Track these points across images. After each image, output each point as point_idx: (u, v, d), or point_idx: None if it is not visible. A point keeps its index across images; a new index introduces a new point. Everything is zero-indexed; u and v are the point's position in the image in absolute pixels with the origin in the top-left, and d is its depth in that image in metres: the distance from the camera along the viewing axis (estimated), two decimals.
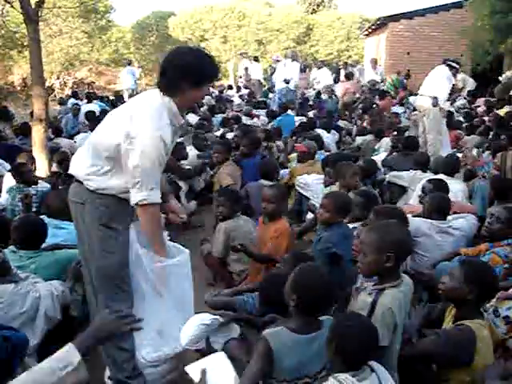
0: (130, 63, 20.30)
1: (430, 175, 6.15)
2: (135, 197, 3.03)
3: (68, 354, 2.32)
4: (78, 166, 3.24)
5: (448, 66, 8.98)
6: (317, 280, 2.70)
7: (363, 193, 4.83)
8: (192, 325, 3.13)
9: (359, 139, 10.64)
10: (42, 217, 4.56)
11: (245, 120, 12.04)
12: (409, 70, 19.96)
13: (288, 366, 2.61)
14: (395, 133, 9.95)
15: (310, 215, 6.18)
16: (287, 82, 15.63)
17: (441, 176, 5.83)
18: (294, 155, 8.57)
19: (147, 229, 3.19)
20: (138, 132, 2.96)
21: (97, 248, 3.19)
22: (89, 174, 3.14)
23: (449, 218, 4.65)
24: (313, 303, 2.67)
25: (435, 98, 8.80)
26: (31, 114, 11.50)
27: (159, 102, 3.11)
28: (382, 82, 17.24)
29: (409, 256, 3.04)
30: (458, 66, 9.10)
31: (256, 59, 19.94)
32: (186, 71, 3.09)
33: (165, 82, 3.13)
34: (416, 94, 15.99)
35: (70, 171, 3.28)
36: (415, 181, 6.27)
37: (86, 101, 15.10)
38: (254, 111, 13.42)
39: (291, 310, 2.73)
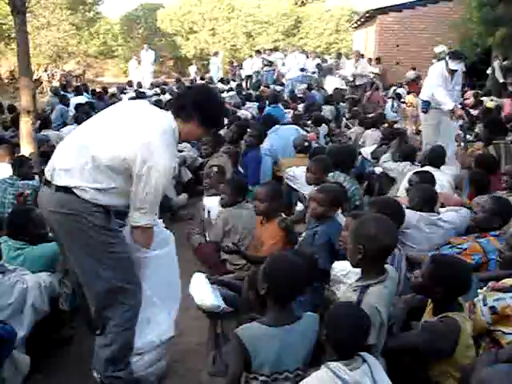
0: (215, 54, 23.68)
1: (416, 167, 6.16)
2: (140, 219, 3.12)
3: None
4: (68, 178, 3.09)
5: (445, 61, 8.19)
6: (285, 267, 2.73)
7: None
8: (201, 286, 3.48)
9: (349, 131, 10.65)
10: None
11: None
12: (398, 63, 20.06)
13: (264, 360, 2.61)
14: (385, 125, 9.98)
15: (299, 206, 6.17)
16: (303, 70, 18.30)
17: (427, 168, 5.83)
18: None
19: (144, 245, 3.30)
20: (155, 162, 3.01)
21: (102, 253, 3.15)
22: (85, 187, 3.06)
23: (442, 210, 4.66)
24: (281, 291, 2.69)
25: (424, 103, 8.48)
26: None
27: (172, 126, 3.20)
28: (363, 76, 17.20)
29: (389, 254, 2.98)
30: (454, 62, 7.93)
31: (258, 52, 21.91)
32: (203, 109, 3.26)
33: (180, 106, 3.27)
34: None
35: (61, 183, 3.10)
36: (403, 173, 6.29)
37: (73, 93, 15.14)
38: (248, 104, 13.37)
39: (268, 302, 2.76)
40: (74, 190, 3.06)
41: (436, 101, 8.07)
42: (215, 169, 5.94)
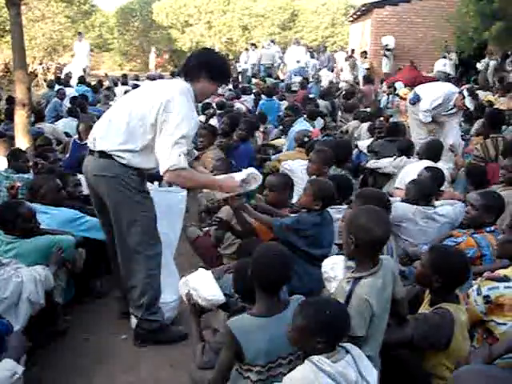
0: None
1: (414, 161, 6.15)
2: (171, 161, 3.48)
3: None
4: (107, 142, 3.63)
5: (461, 92, 8.06)
6: (271, 257, 2.74)
7: (333, 177, 4.78)
8: (209, 281, 3.48)
9: (347, 125, 10.61)
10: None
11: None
12: (394, 57, 20.03)
13: (257, 351, 2.61)
14: (381, 119, 9.95)
15: None
16: (298, 61, 19.48)
17: (424, 162, 5.82)
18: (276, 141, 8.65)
19: (190, 186, 4.10)
20: (178, 106, 3.50)
21: (136, 211, 3.71)
22: (122, 150, 3.59)
23: (437, 203, 4.66)
24: (268, 280, 2.70)
25: (415, 97, 8.33)
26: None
27: (187, 86, 3.69)
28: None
29: (382, 246, 2.96)
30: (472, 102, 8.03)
31: (254, 45, 22.57)
32: (208, 65, 3.73)
33: (188, 68, 3.77)
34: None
35: (100, 148, 3.65)
36: (400, 167, 6.28)
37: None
38: (243, 97, 13.34)
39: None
40: (113, 156, 3.60)
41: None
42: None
